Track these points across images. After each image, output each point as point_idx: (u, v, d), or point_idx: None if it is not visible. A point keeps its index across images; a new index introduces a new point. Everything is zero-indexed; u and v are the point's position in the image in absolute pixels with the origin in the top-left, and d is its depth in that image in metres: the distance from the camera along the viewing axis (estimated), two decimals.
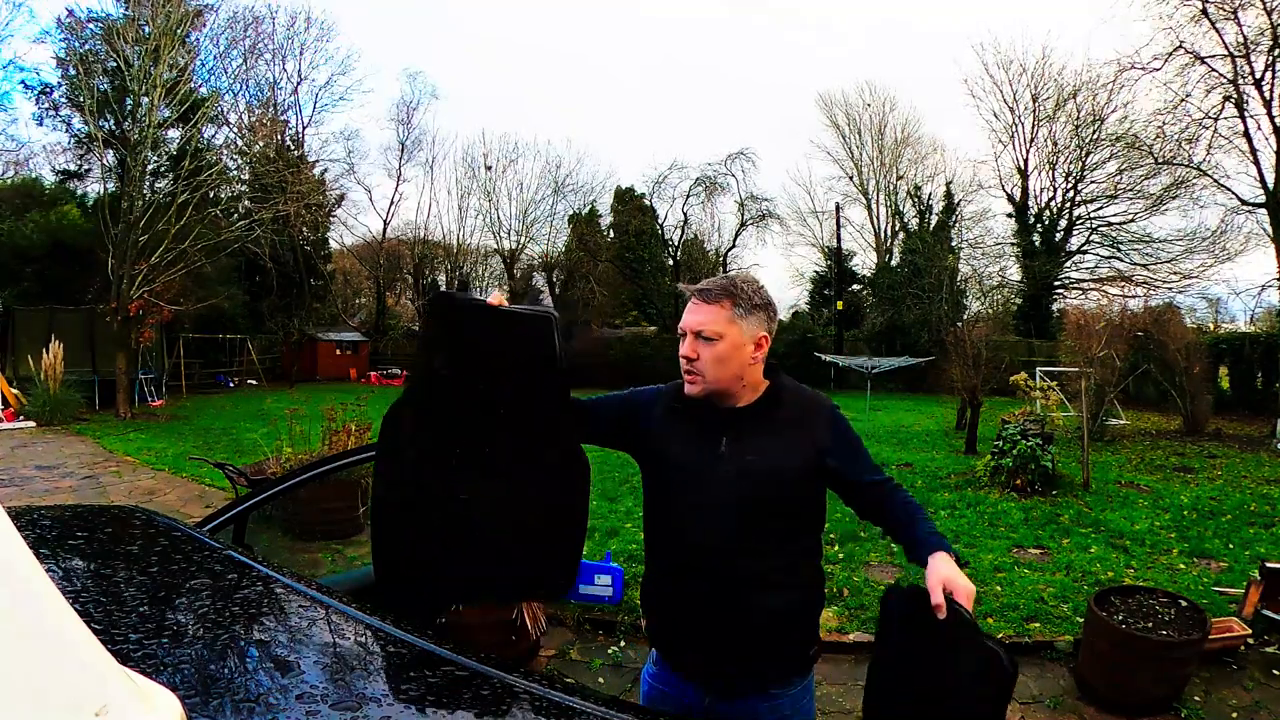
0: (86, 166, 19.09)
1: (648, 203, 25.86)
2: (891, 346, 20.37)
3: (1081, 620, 3.53)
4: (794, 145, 60.02)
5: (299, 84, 24.07)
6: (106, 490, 6.88)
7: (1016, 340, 20.44)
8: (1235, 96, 16.17)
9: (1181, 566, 4.73)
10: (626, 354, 21.39)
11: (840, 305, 23.44)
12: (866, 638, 3.53)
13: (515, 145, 33.68)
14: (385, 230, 26.66)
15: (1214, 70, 16.23)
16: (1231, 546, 5.19)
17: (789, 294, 29.17)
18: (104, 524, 1.50)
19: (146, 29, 12.95)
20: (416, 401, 1.47)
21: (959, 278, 23.49)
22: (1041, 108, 23.86)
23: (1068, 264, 23.81)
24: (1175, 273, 21.92)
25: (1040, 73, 23.73)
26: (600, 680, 3.33)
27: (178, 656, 0.91)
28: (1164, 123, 17.76)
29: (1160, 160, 18.83)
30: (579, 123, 48.55)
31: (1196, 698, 3.10)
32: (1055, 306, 23.43)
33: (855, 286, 26.87)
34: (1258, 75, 15.70)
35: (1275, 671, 3.33)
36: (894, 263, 24.94)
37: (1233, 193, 18.03)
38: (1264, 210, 16.75)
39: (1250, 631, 3.48)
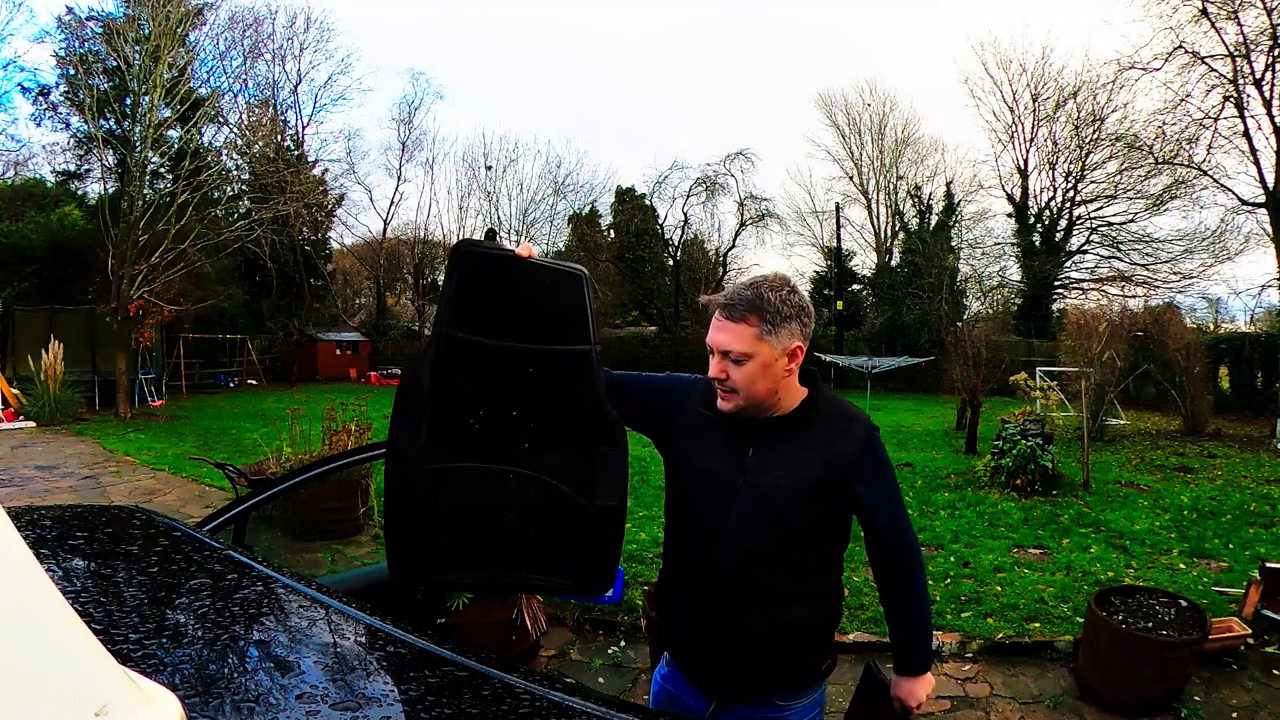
0: (86, 166, 19.12)
1: (648, 203, 25.85)
2: (891, 346, 20.38)
3: (1081, 620, 3.53)
4: (794, 145, 60.04)
5: (298, 83, 24.15)
6: (106, 490, 6.88)
7: (1016, 340, 20.45)
8: (1235, 96, 16.16)
9: (1181, 566, 4.73)
10: (626, 354, 21.37)
11: (840, 305, 23.42)
12: (866, 637, 3.53)
13: (515, 145, 33.83)
14: (385, 230, 26.74)
15: (1214, 70, 16.24)
16: (1231, 546, 5.19)
17: None
18: (104, 524, 1.50)
19: (147, 28, 12.93)
20: (437, 361, 1.36)
21: (959, 278, 23.53)
22: (1041, 108, 23.83)
23: (1068, 264, 23.76)
24: (1175, 273, 21.93)
25: (1040, 72, 23.73)
26: (600, 680, 3.33)
27: (178, 656, 0.91)
28: (1164, 123, 17.79)
29: (1160, 160, 18.82)
30: (579, 123, 48.59)
31: (1196, 698, 3.10)
32: (1055, 306, 23.40)
33: (855, 286, 26.82)
34: (1258, 75, 15.70)
35: (1275, 671, 3.33)
36: (894, 263, 24.92)
37: (1233, 193, 18.08)
38: (1264, 210, 16.77)
39: (1250, 631, 3.48)
